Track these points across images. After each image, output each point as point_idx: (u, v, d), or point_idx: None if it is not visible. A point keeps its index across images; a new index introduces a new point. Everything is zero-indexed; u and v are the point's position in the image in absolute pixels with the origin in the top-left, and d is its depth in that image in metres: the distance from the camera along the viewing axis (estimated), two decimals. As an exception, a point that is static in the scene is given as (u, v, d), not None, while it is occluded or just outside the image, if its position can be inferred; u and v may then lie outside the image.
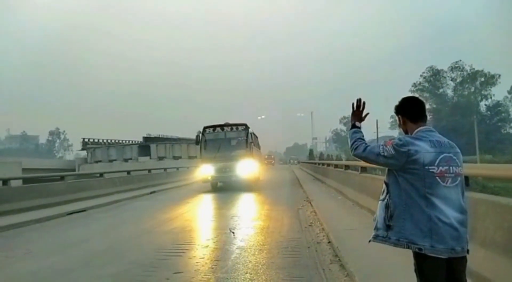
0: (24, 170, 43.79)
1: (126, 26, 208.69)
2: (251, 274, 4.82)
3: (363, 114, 2.95)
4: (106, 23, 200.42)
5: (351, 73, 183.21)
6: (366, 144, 2.74)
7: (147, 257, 5.80)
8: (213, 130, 17.40)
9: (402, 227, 2.49)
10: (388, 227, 2.55)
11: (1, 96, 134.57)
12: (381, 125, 64.30)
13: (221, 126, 17.42)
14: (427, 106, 67.26)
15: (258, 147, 25.00)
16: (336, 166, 16.97)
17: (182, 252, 6.13)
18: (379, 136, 61.92)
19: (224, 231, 7.74)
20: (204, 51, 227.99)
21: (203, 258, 5.66)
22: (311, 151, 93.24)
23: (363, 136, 2.83)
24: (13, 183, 12.13)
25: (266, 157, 74.91)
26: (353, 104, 2.94)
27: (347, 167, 13.50)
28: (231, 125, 17.50)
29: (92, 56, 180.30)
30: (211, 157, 16.52)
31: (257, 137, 23.91)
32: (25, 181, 15.34)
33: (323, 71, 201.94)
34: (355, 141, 2.77)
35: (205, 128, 17.38)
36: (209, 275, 4.83)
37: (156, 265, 5.37)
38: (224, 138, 17.32)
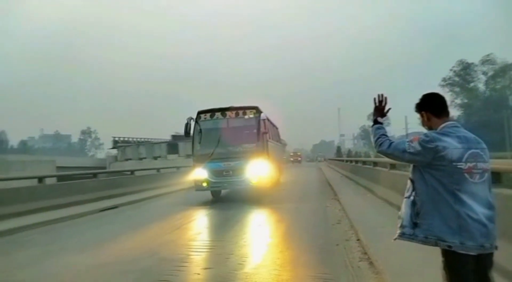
0: (57, 168, 45.37)
1: (151, 23, 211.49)
2: (279, 270, 4.84)
3: (385, 110, 2.91)
4: (132, 20, 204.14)
5: (380, 70, 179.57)
6: (390, 140, 2.69)
7: (177, 253, 5.92)
8: (211, 116, 12.57)
9: (430, 224, 2.45)
10: (414, 225, 2.52)
11: (34, 97, 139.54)
12: (410, 121, 63.07)
13: (222, 110, 12.54)
14: (458, 101, 66.19)
15: (278, 139, 19.77)
16: (364, 163, 16.75)
17: (211, 248, 6.22)
18: (408, 132, 60.74)
19: (252, 228, 7.80)
20: (228, 45, 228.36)
21: (232, 254, 5.71)
22: (338, 148, 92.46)
23: (386, 132, 2.78)
24: (48, 181, 12.59)
25: (292, 154, 74.29)
26: (374, 99, 2.90)
27: (375, 164, 13.31)
28: (236, 109, 12.53)
29: (120, 56, 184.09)
30: (208, 154, 11.95)
31: (276, 127, 19.19)
32: (59, 178, 15.85)
33: (351, 67, 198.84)
34: (378, 137, 2.73)
35: (199, 113, 12.65)
36: (238, 270, 4.88)
37: (186, 261, 5.48)
38: (227, 127, 12.37)
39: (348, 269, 4.81)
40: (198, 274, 4.85)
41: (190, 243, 6.71)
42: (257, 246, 6.43)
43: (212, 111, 12.61)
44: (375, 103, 2.90)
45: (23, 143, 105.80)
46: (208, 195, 13.30)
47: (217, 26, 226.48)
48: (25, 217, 9.23)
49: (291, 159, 68.89)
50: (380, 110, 2.89)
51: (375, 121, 2.85)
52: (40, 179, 11.69)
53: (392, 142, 2.66)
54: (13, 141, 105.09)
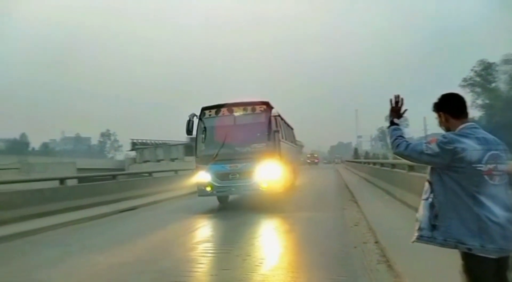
0: (78, 169, 46.16)
1: (164, 29, 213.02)
2: (296, 272, 4.84)
3: (402, 111, 2.87)
4: (146, 28, 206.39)
5: (398, 70, 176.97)
6: (407, 141, 2.66)
7: (194, 254, 5.97)
8: (216, 112, 11.35)
9: (449, 226, 2.42)
10: (433, 227, 2.48)
11: (55, 100, 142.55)
12: (429, 123, 62.12)
13: (229, 106, 11.33)
14: (479, 101, 64.78)
15: (293, 140, 18.47)
16: (382, 165, 16.58)
17: (228, 250, 6.24)
18: (427, 133, 59.90)
19: (270, 230, 7.80)
20: (243, 50, 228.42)
21: (249, 256, 5.73)
22: (356, 150, 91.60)
23: (403, 133, 2.75)
24: (69, 182, 12.84)
25: (309, 155, 73.54)
26: (391, 100, 2.86)
27: (393, 166, 13.16)
28: (244, 104, 11.31)
29: (139, 61, 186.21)
30: (212, 155, 10.71)
31: (291, 128, 17.96)
32: (80, 180, 16.16)
33: (368, 68, 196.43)
34: (395, 139, 2.69)
35: (203, 110, 11.49)
36: (254, 272, 4.89)
37: (203, 262, 5.53)
38: (233, 125, 11.15)
39: (366, 272, 4.76)
40: (215, 275, 4.89)
41: (207, 244, 6.77)
42: (273, 249, 6.43)
43: (218, 107, 11.38)
44: (391, 104, 2.87)
45: (44, 145, 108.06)
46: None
47: (234, 30, 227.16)
48: (47, 218, 9.42)
49: (308, 161, 68.30)
50: (396, 111, 2.85)
51: (392, 123, 2.82)
52: (62, 181, 11.94)
53: (410, 143, 2.63)
54: (35, 143, 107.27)
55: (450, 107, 2.62)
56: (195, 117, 11.22)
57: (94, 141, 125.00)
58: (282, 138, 12.53)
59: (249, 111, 11.20)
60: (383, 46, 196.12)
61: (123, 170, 50.46)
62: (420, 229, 2.55)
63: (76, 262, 5.79)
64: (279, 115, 11.43)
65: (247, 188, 10.68)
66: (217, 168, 10.69)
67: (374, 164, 19.69)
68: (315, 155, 76.75)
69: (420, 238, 2.55)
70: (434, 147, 2.46)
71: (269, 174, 10.56)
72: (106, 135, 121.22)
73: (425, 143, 2.54)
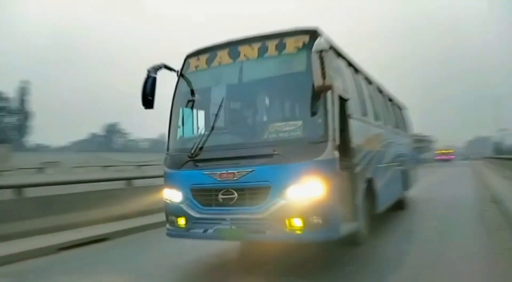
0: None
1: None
2: (431, 277, 4.55)
3: None
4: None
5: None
6: None
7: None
8: (208, 61, 5.23)
9: None
10: None
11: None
12: None
13: (233, 46, 5.07)
14: None
15: (401, 124, 10.54)
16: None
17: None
18: None
19: (391, 229, 7.39)
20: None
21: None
22: (497, 145, 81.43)
23: None
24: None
25: (439, 151, 65.15)
26: None
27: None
28: (263, 39, 4.89)
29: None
30: (191, 149, 4.85)
31: (400, 107, 11.04)
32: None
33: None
34: None
35: (187, 58, 5.38)
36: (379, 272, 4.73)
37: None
38: (238, 83, 5.16)
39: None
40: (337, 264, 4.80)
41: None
42: (403, 249, 6.03)
43: (213, 50, 5.26)
44: None
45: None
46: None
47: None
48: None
49: (437, 158, 59.99)
50: None
51: None
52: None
53: None
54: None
55: None
56: (161, 69, 5.17)
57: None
58: (364, 115, 6.29)
59: (271, 53, 4.87)
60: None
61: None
62: None
63: (175, 261, 5.83)
64: (339, 54, 5.49)
65: (258, 227, 4.47)
66: (196, 178, 4.85)
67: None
68: (450, 151, 65.73)
69: None
70: None
71: (312, 194, 4.28)
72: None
73: None
